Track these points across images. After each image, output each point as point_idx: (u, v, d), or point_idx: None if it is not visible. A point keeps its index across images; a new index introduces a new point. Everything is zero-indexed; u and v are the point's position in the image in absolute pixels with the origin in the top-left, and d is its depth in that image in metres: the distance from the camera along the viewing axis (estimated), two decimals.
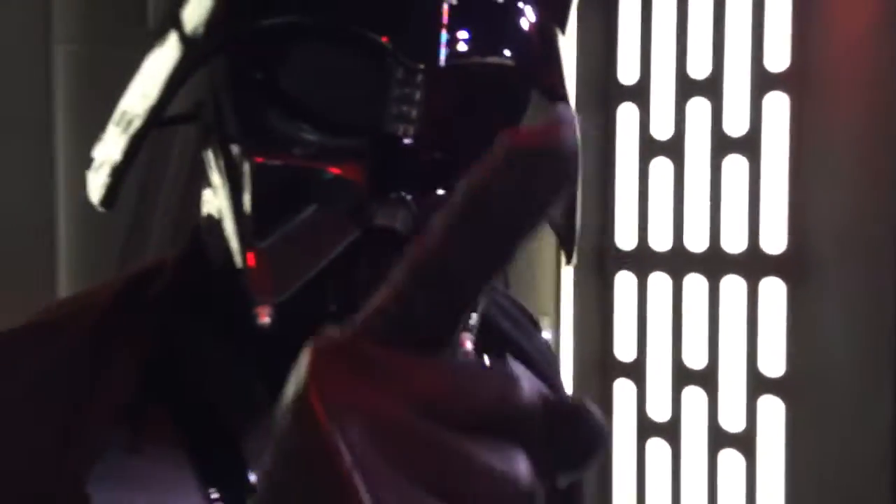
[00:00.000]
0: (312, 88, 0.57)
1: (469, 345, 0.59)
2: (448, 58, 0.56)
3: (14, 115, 1.35)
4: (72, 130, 1.38)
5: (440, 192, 0.59)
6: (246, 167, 0.57)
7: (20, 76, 1.35)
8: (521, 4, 0.60)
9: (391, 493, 0.27)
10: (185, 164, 1.37)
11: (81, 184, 1.38)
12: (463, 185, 0.31)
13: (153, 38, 0.63)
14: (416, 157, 0.57)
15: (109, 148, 0.61)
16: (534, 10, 0.61)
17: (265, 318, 0.54)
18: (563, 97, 0.63)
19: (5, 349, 0.61)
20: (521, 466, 0.29)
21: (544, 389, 0.31)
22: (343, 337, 0.30)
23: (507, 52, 0.59)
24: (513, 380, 0.30)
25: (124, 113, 0.62)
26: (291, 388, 0.30)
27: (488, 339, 0.71)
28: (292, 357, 0.54)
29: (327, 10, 0.56)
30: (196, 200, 1.37)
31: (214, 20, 0.58)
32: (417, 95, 0.56)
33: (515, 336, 0.77)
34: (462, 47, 0.57)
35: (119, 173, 0.59)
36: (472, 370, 0.30)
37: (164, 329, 0.62)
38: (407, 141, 0.57)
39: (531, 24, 0.60)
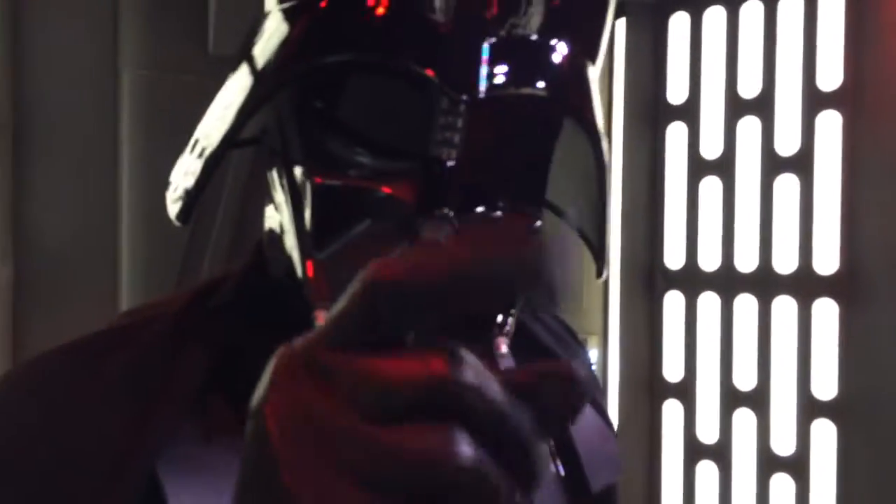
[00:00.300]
0: (367, 117, 0.61)
1: (504, 348, 0.61)
2: (487, 90, 0.59)
3: (82, 135, 1.29)
4: (136, 150, 1.32)
5: (479, 209, 0.62)
6: (308, 187, 0.60)
7: (89, 99, 1.29)
8: (553, 41, 0.63)
9: (330, 494, 0.27)
10: (240, 185, 1.30)
11: (145, 202, 1.33)
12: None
13: (229, 70, 0.65)
14: (457, 179, 0.59)
15: (186, 170, 0.64)
16: (566, 45, 0.63)
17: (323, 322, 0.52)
18: (591, 122, 0.64)
19: (84, 352, 0.62)
20: (460, 447, 0.27)
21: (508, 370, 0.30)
22: (303, 347, 0.31)
23: (540, 84, 0.62)
24: (461, 362, 0.28)
25: (198, 139, 0.64)
26: (255, 397, 0.31)
27: (527, 352, 0.72)
28: None
29: (381, 49, 0.59)
30: (252, 218, 1.31)
31: (282, 58, 0.61)
32: (460, 123, 0.59)
33: (556, 351, 0.77)
34: (499, 80, 0.60)
35: (196, 192, 0.62)
36: (409, 359, 0.29)
37: (228, 334, 0.64)
38: (450, 164, 0.59)
39: (563, 58, 0.63)
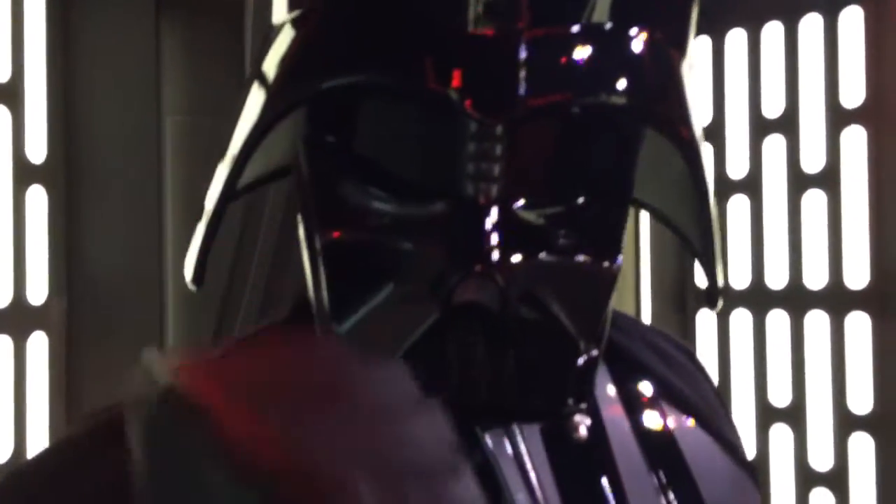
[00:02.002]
0: (383, 151, 0.47)
1: (584, 429, 0.49)
2: (530, 105, 0.43)
3: (130, 176, 1.31)
4: (179, 189, 1.33)
5: (540, 255, 0.47)
6: (319, 243, 0.47)
7: (135, 142, 1.31)
8: (619, 29, 0.45)
9: None
10: (274, 232, 1.28)
11: (187, 238, 1.33)
12: None
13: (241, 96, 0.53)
14: (501, 220, 0.44)
15: (208, 201, 0.52)
16: (640, 32, 0.46)
17: None
18: (678, 131, 0.47)
19: (102, 437, 0.50)
20: None
21: None
22: None
23: (607, 90, 0.45)
24: None
25: (224, 159, 0.52)
26: None
27: (636, 381, 0.58)
28: None
29: (390, 66, 0.44)
30: (283, 269, 1.30)
31: (279, 82, 0.48)
32: (498, 150, 0.43)
33: (671, 380, 0.60)
34: (547, 91, 0.43)
35: (202, 253, 0.50)
36: None
37: None
38: (488, 203, 0.44)
39: (636, 51, 0.45)
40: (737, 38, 1.35)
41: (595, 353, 0.49)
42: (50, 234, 1.29)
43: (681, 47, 0.49)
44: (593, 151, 0.48)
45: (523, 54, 0.42)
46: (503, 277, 0.44)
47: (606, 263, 0.49)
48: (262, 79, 0.49)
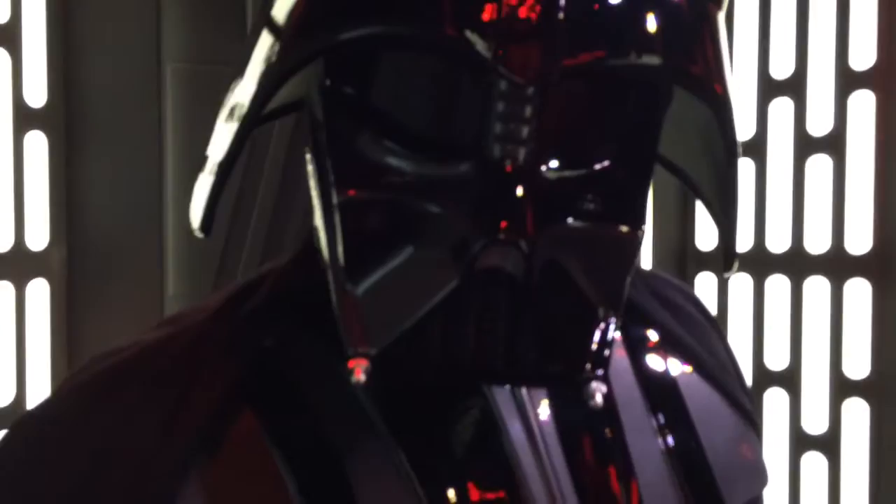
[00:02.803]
0: (406, 108, 0.44)
1: (600, 397, 0.46)
2: (563, 64, 0.41)
3: (129, 124, 1.29)
4: (179, 137, 1.31)
5: (566, 221, 0.45)
6: (336, 200, 0.44)
7: (135, 90, 1.29)
8: None
9: None
10: (277, 175, 1.27)
11: (188, 185, 1.32)
12: None
13: (249, 37, 0.49)
14: (528, 185, 0.42)
15: (201, 181, 0.49)
16: None
17: (360, 376, 0.43)
18: (713, 90, 0.45)
19: (110, 376, 0.51)
20: None
21: None
22: None
23: (640, 48, 0.42)
24: None
25: (208, 155, 0.50)
26: None
27: (650, 340, 0.56)
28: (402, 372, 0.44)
29: (414, 16, 0.41)
30: (286, 212, 1.29)
31: (294, 32, 0.44)
32: (528, 111, 0.41)
33: (686, 339, 0.59)
34: (580, 49, 0.41)
35: (211, 202, 0.47)
36: None
37: (263, 341, 0.50)
38: (516, 167, 0.42)
39: (672, 7, 0.43)
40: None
41: (615, 320, 0.47)
42: (50, 179, 1.28)
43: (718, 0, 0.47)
44: (622, 114, 0.46)
45: (559, 12, 0.40)
46: (528, 244, 0.42)
47: (631, 230, 0.47)
48: (272, 26, 0.46)
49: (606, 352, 0.46)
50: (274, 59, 0.44)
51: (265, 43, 0.46)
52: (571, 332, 0.47)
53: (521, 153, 0.42)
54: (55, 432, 0.50)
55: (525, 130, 0.42)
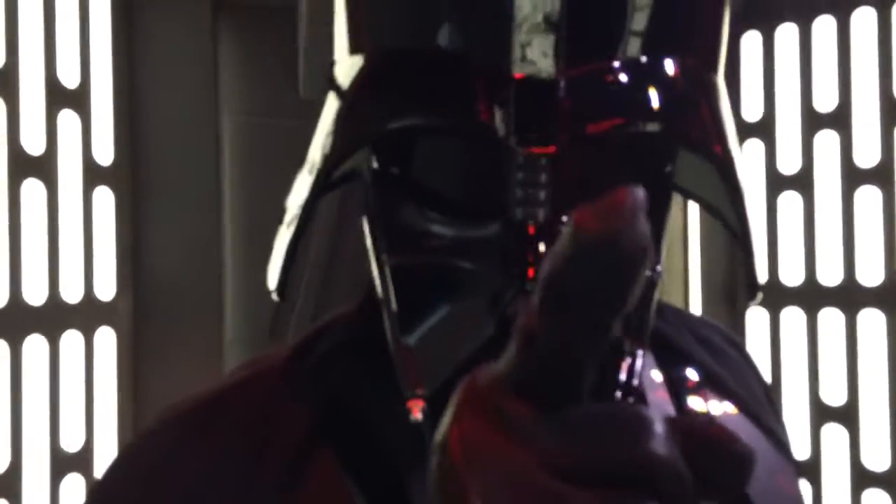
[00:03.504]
0: (440, 181, 0.52)
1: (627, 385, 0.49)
2: (571, 135, 0.48)
3: (190, 175, 1.35)
4: (237, 188, 1.37)
5: None
6: (388, 264, 0.51)
7: (195, 143, 1.35)
8: (652, 61, 0.49)
9: None
10: (327, 234, 1.31)
11: (246, 236, 1.36)
12: (542, 272, 0.29)
13: (318, 113, 0.57)
14: (549, 241, 0.48)
15: (279, 241, 0.55)
16: (672, 61, 0.49)
17: (417, 415, 0.49)
18: (712, 150, 0.50)
19: (191, 423, 0.57)
20: None
21: (683, 425, 0.29)
22: (485, 387, 0.30)
23: (640, 118, 0.49)
24: (646, 429, 0.28)
25: (286, 209, 0.56)
26: (440, 430, 0.31)
27: (682, 372, 0.60)
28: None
29: (439, 107, 0.49)
30: (336, 270, 1.32)
31: (347, 124, 0.51)
32: (543, 178, 0.48)
33: (718, 371, 0.63)
34: (585, 121, 0.48)
35: (287, 263, 0.53)
36: (601, 425, 0.28)
37: (335, 383, 0.56)
38: (537, 226, 0.48)
39: (669, 80, 0.49)
40: (788, 33, 1.32)
41: (640, 352, 0.50)
42: (117, 233, 1.34)
43: (713, 66, 0.52)
44: (632, 170, 0.52)
45: (563, 92, 0.47)
46: None
47: (647, 272, 0.51)
48: (337, 90, 0.53)
49: (635, 381, 0.50)
50: (336, 136, 0.52)
51: (331, 111, 0.53)
52: (603, 366, 0.50)
53: (541, 213, 0.48)
54: (144, 477, 0.55)
55: (542, 194, 0.48)
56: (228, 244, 1.37)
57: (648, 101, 0.48)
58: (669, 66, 0.49)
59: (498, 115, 0.47)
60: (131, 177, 1.35)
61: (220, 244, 1.37)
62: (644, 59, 0.48)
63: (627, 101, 0.48)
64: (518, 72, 0.47)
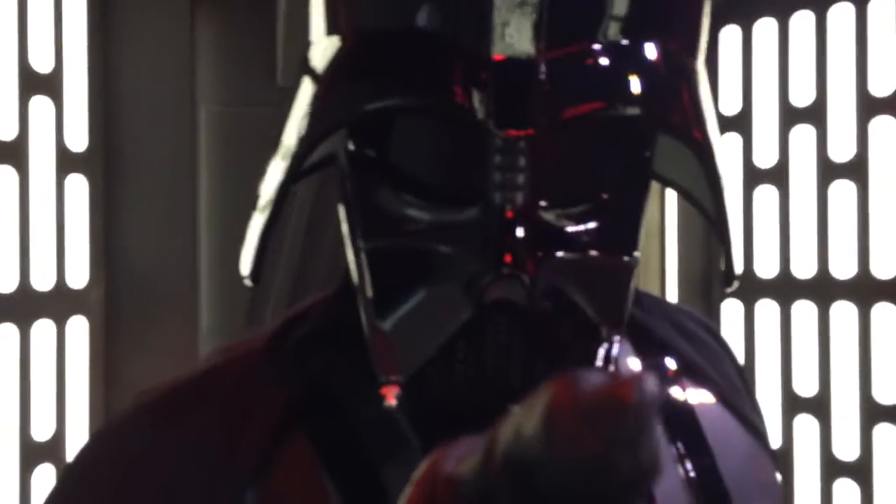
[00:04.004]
0: (418, 161, 0.51)
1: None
2: (550, 118, 0.47)
3: (165, 165, 1.34)
4: (213, 177, 1.36)
5: (563, 253, 0.50)
6: (364, 247, 0.51)
7: (170, 132, 1.34)
8: (633, 44, 0.48)
9: None
10: (304, 220, 1.30)
11: (221, 225, 1.36)
12: (504, 438, 0.30)
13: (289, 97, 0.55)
14: (527, 225, 0.48)
15: (252, 225, 0.55)
16: (653, 45, 0.49)
17: (392, 401, 0.49)
18: (692, 135, 0.49)
19: (165, 408, 0.57)
20: None
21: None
22: (442, 486, 0.31)
23: (620, 101, 0.48)
24: None
25: (259, 193, 0.55)
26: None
27: (665, 360, 0.61)
28: (432, 395, 0.51)
29: (417, 88, 0.48)
30: (313, 255, 1.32)
31: (323, 104, 0.50)
32: (521, 162, 0.48)
33: (696, 358, 0.62)
34: (564, 104, 0.47)
35: (260, 248, 0.52)
36: None
37: (311, 369, 0.56)
38: (515, 210, 0.48)
39: (650, 63, 0.48)
40: (766, 27, 1.33)
41: (616, 338, 0.51)
42: (90, 220, 1.32)
43: (694, 51, 0.52)
44: (611, 154, 0.52)
45: (542, 74, 0.46)
46: (529, 276, 0.47)
47: (625, 257, 0.52)
48: (312, 75, 0.52)
49: (611, 367, 0.51)
50: (311, 118, 0.51)
51: (306, 94, 0.52)
52: (577, 349, 0.52)
53: (519, 197, 0.48)
54: (117, 464, 0.55)
55: (520, 178, 0.48)
56: (204, 233, 1.36)
57: (629, 85, 0.47)
58: (650, 50, 0.48)
59: (476, 97, 0.46)
60: (105, 164, 1.33)
61: (195, 233, 1.36)
62: (625, 42, 0.48)
63: (608, 84, 0.47)
64: (497, 52, 0.46)
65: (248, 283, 0.53)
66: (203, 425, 0.54)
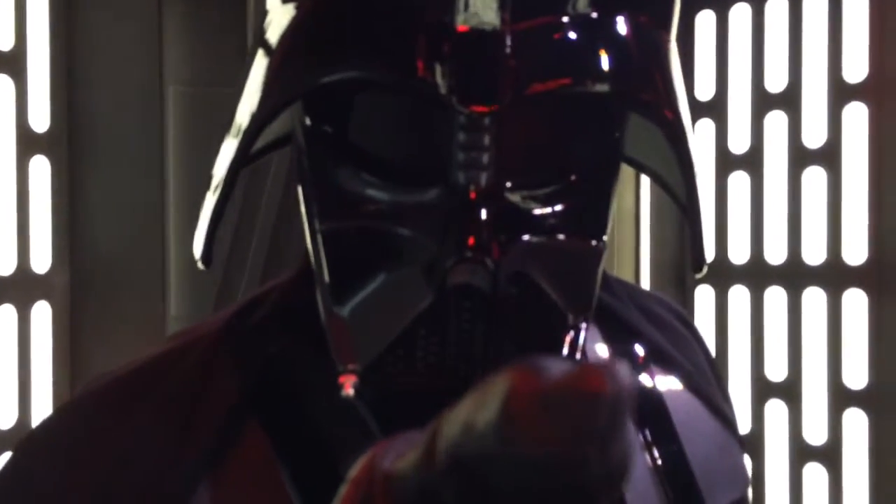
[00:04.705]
0: (378, 138, 0.49)
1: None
2: (516, 94, 0.44)
3: (132, 147, 1.31)
4: (181, 160, 1.34)
5: (529, 237, 0.48)
6: (320, 228, 0.49)
7: (137, 113, 1.31)
8: (603, 17, 0.46)
9: None
10: (276, 201, 1.29)
11: (190, 208, 1.34)
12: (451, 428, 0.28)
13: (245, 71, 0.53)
14: (491, 207, 0.46)
15: (205, 207, 0.52)
16: (624, 18, 0.46)
17: (349, 390, 0.47)
18: (662, 114, 0.47)
19: (122, 390, 0.55)
20: None
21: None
22: (379, 483, 0.30)
23: (588, 77, 0.45)
24: None
25: (234, 129, 0.52)
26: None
27: (633, 345, 0.59)
28: (392, 383, 0.50)
29: (377, 60, 0.45)
30: (285, 236, 1.31)
31: (277, 76, 0.48)
32: (486, 140, 0.45)
33: (664, 344, 0.62)
34: (531, 79, 0.44)
35: (211, 228, 0.50)
36: None
37: (268, 353, 0.54)
38: (479, 191, 0.46)
39: (620, 37, 0.46)
40: (741, 13, 1.34)
41: (584, 325, 0.49)
42: (53, 203, 1.30)
43: (666, 26, 0.49)
44: (579, 135, 0.49)
45: (508, 48, 0.44)
46: (493, 261, 0.45)
47: (593, 241, 0.50)
48: (267, 50, 0.50)
49: (578, 355, 0.49)
50: (265, 91, 0.48)
51: (260, 67, 0.49)
52: (543, 336, 0.50)
53: (483, 178, 0.46)
54: (69, 443, 0.53)
55: (485, 157, 0.46)
56: (172, 216, 1.34)
57: (598, 59, 0.45)
58: (620, 24, 0.46)
59: (439, 70, 0.44)
60: (69, 145, 1.31)
61: (163, 216, 1.34)
62: (594, 14, 0.45)
63: (576, 59, 0.45)
64: (461, 24, 0.44)
65: (200, 266, 0.51)
66: (154, 413, 0.53)
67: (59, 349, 1.31)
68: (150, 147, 1.34)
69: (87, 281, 1.32)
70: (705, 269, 0.52)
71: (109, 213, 1.32)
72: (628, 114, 0.51)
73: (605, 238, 0.51)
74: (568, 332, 0.49)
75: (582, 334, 0.50)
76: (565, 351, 0.49)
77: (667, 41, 0.49)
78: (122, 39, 1.32)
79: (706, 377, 0.64)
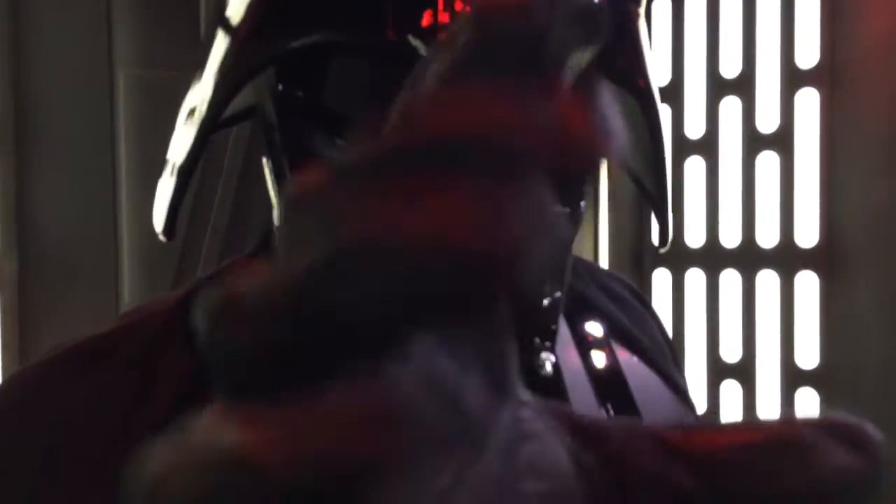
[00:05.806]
0: (354, 104, 0.48)
1: (549, 366, 0.50)
2: None
3: (82, 132, 1.29)
4: (133, 145, 1.32)
5: None
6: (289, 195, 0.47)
7: (86, 98, 1.29)
8: None
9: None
10: (234, 178, 1.28)
11: (142, 194, 1.32)
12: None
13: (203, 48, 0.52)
14: None
15: (165, 184, 0.51)
16: None
17: None
18: (635, 82, 0.49)
19: (68, 365, 0.53)
20: None
21: None
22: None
23: None
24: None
25: (190, 112, 0.50)
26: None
27: (593, 323, 0.60)
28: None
29: (355, 22, 0.45)
30: (252, 200, 1.30)
31: (246, 39, 0.47)
32: None
33: (623, 321, 0.63)
34: None
35: (174, 205, 0.50)
36: None
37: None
38: None
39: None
40: (696, 1, 1.37)
41: (558, 294, 0.51)
42: (1, 190, 1.27)
43: None
44: None
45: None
46: None
47: (568, 210, 0.51)
48: (227, 28, 0.49)
49: (553, 326, 0.50)
50: (228, 65, 0.47)
51: (220, 46, 0.49)
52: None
53: None
54: (8, 420, 0.51)
55: None
56: (124, 201, 1.33)
57: None
58: None
59: (417, 34, 0.43)
60: (16, 130, 1.28)
61: (115, 201, 1.32)
62: None
63: None
64: None
65: (162, 238, 0.51)
66: (110, 379, 0.51)
67: (7, 339, 1.29)
68: (100, 132, 1.32)
69: (37, 269, 1.30)
70: (669, 244, 0.54)
71: (60, 199, 1.30)
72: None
73: (582, 207, 0.51)
74: (543, 301, 0.50)
75: (557, 306, 0.50)
76: (541, 320, 0.50)
77: (637, 14, 0.51)
78: (70, 22, 1.30)
79: (664, 354, 0.66)
